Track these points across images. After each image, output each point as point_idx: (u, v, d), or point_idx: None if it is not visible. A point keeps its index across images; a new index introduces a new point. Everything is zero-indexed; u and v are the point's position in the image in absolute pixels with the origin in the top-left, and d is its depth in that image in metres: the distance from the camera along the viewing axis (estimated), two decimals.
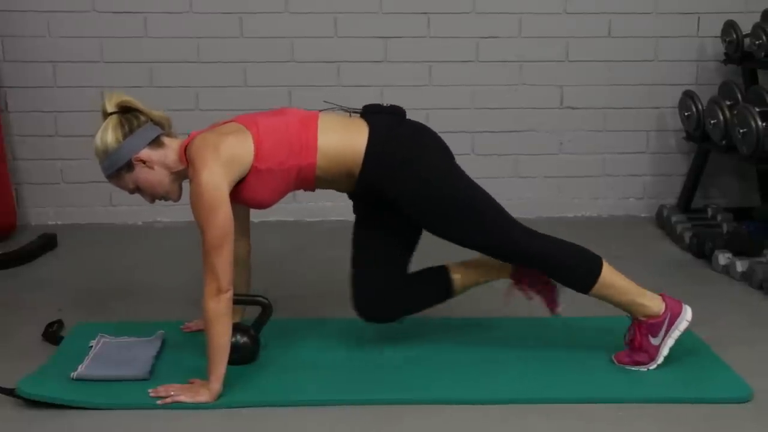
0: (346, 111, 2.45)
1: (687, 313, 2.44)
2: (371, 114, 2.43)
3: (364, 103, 2.51)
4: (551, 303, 2.56)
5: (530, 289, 2.58)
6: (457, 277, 2.56)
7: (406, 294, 2.55)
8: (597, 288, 2.42)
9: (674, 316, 2.43)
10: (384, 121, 2.41)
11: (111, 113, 2.31)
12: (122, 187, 2.36)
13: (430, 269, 2.58)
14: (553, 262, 2.43)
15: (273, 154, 2.30)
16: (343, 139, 2.35)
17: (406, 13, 4.02)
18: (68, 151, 3.97)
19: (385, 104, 2.49)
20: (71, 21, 3.92)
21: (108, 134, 2.28)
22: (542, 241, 2.44)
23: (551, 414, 2.25)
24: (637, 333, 2.45)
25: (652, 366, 2.44)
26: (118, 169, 2.30)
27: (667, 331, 2.43)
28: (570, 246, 2.47)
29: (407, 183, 2.37)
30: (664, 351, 2.43)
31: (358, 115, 2.44)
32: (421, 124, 2.49)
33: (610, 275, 2.43)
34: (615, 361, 2.49)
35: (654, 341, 2.44)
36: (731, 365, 2.48)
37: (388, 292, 2.52)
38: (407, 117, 2.48)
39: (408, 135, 2.41)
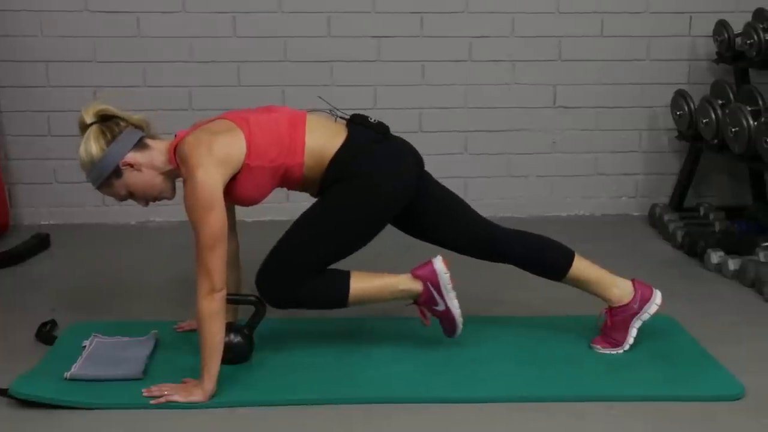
0: (333, 114, 2.46)
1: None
2: (354, 124, 2.45)
3: (357, 104, 2.52)
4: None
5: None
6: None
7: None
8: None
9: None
10: (363, 134, 2.43)
11: (90, 124, 2.30)
12: (114, 194, 2.37)
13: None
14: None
15: (264, 152, 2.31)
16: (325, 141, 2.38)
17: (399, 12, 4.02)
18: (61, 151, 3.96)
19: (372, 119, 2.49)
20: (64, 20, 3.91)
21: (91, 144, 2.29)
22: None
23: (543, 411, 2.26)
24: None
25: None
26: (107, 176, 2.31)
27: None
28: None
29: (344, 185, 2.38)
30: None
31: (344, 121, 2.46)
32: (399, 148, 2.49)
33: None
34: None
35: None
36: (723, 363, 2.49)
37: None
38: (396, 121, 2.49)
39: (380, 154, 2.43)
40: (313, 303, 2.45)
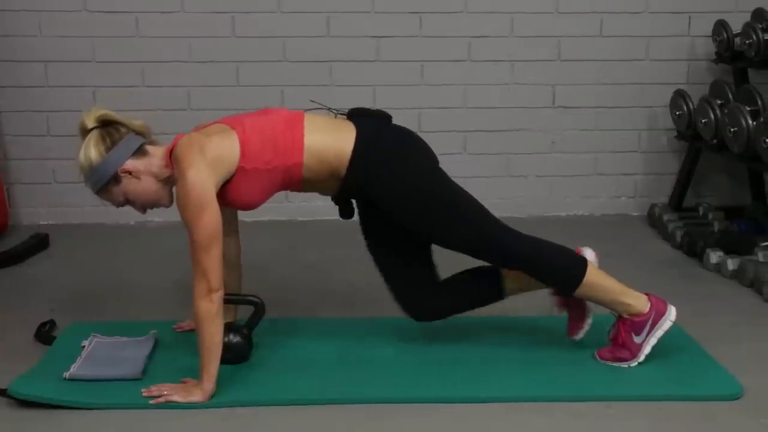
0: (332, 112, 2.45)
1: (671, 313, 2.46)
2: (358, 117, 2.43)
3: (356, 103, 2.51)
4: (573, 330, 2.57)
5: (568, 310, 2.60)
6: (510, 278, 2.54)
7: (452, 292, 2.56)
8: (582, 288, 2.44)
9: (659, 315, 2.45)
10: (370, 124, 2.41)
11: (91, 129, 2.30)
12: (112, 200, 2.37)
13: (480, 269, 2.58)
14: (538, 263, 2.44)
15: (259, 154, 2.29)
16: (330, 140, 2.34)
17: (398, 12, 4.02)
18: (60, 151, 3.96)
19: (372, 108, 2.48)
20: (63, 20, 3.91)
21: (91, 150, 2.28)
22: (527, 242, 2.45)
23: (543, 411, 2.26)
24: (621, 330, 2.47)
25: (633, 363, 2.46)
26: (105, 183, 2.30)
27: (650, 330, 2.45)
28: (555, 247, 2.48)
29: (391, 186, 2.37)
30: (646, 349, 2.46)
31: (344, 116, 2.44)
32: (407, 129, 2.49)
33: (594, 276, 2.44)
34: (597, 357, 2.51)
35: (637, 339, 2.45)
36: (722, 363, 2.49)
37: (427, 290, 2.53)
38: (393, 121, 2.48)
39: (393, 139, 2.41)
40: (547, 268, 2.45)
